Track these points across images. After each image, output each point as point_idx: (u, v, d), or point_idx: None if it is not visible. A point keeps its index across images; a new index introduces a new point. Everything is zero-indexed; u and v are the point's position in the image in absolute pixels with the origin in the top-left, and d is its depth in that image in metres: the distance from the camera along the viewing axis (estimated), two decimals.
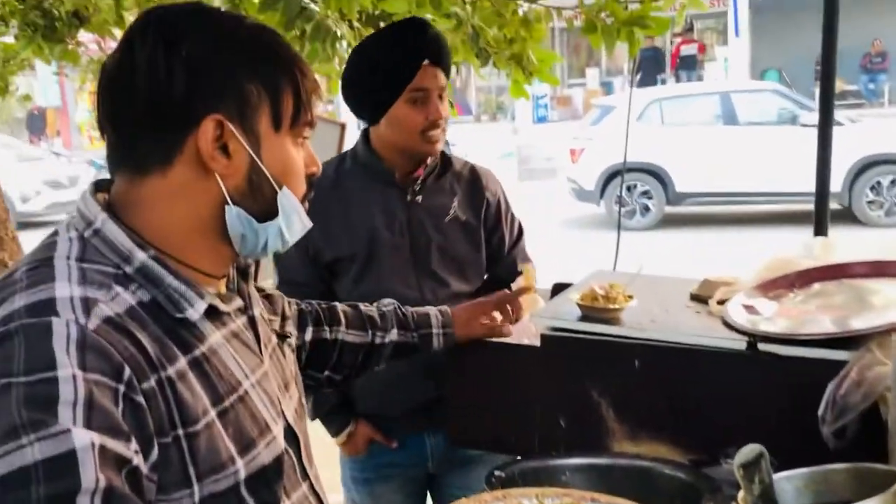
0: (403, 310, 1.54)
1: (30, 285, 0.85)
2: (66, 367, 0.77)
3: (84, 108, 22.11)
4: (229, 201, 0.94)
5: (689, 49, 17.09)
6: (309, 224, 1.03)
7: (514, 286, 1.84)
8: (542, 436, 1.49)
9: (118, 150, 0.95)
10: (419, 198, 1.84)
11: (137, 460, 0.79)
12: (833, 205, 2.59)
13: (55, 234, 0.94)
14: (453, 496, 1.33)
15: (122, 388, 0.80)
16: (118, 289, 0.88)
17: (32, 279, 0.86)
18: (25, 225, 10.17)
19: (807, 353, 1.30)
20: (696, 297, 1.61)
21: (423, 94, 1.74)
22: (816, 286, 1.50)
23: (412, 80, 1.72)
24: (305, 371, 1.40)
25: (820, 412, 1.20)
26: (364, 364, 1.47)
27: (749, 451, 1.00)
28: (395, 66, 1.73)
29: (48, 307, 0.82)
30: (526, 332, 1.63)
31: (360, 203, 1.83)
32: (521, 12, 2.75)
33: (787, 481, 1.06)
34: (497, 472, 1.29)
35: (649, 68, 16.75)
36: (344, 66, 1.81)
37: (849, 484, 1.04)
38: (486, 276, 1.94)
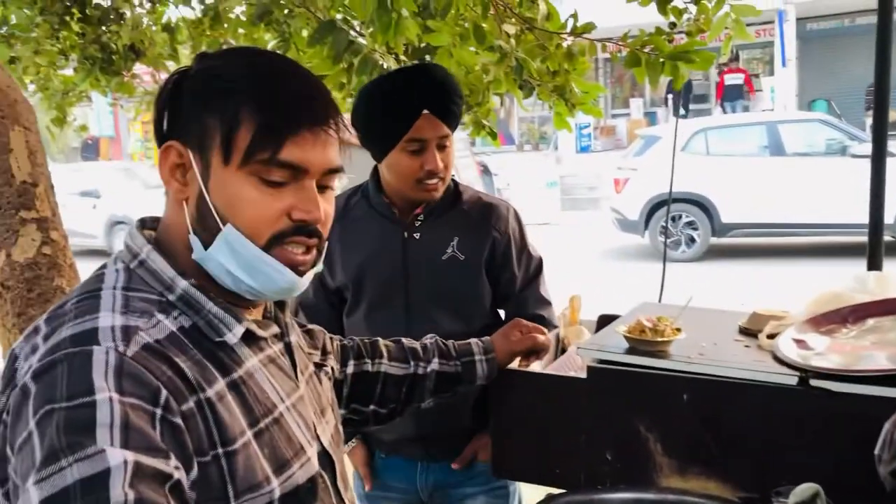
0: (444, 342, 1.54)
1: (76, 316, 0.89)
2: (104, 392, 0.80)
3: (136, 138, 22.70)
4: (190, 229, 0.97)
5: (733, 79, 16.90)
6: (290, 276, 0.97)
7: (559, 317, 1.83)
8: (589, 469, 1.47)
9: None
10: (417, 234, 1.82)
11: (179, 475, 0.82)
12: (886, 237, 2.53)
13: (104, 266, 0.99)
14: None
15: (158, 411, 0.83)
16: (160, 316, 0.92)
17: (79, 310, 0.90)
18: None
19: (861, 389, 1.26)
20: (745, 331, 1.59)
21: (420, 144, 1.72)
22: (871, 321, 1.47)
23: (409, 130, 1.70)
24: (350, 405, 1.42)
25: (876, 451, 1.17)
26: (409, 396, 1.48)
27: (804, 489, 0.98)
28: (393, 113, 1.72)
29: (91, 337, 0.85)
30: (572, 364, 1.62)
31: (359, 235, 1.84)
32: (564, 45, 2.76)
33: None
34: None
35: (678, 99, 16.57)
36: (356, 97, 1.81)
37: None
38: (503, 314, 1.92)
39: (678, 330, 1.46)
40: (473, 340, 1.56)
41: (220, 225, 0.94)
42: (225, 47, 3.47)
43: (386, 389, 1.45)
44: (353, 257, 1.83)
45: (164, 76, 3.83)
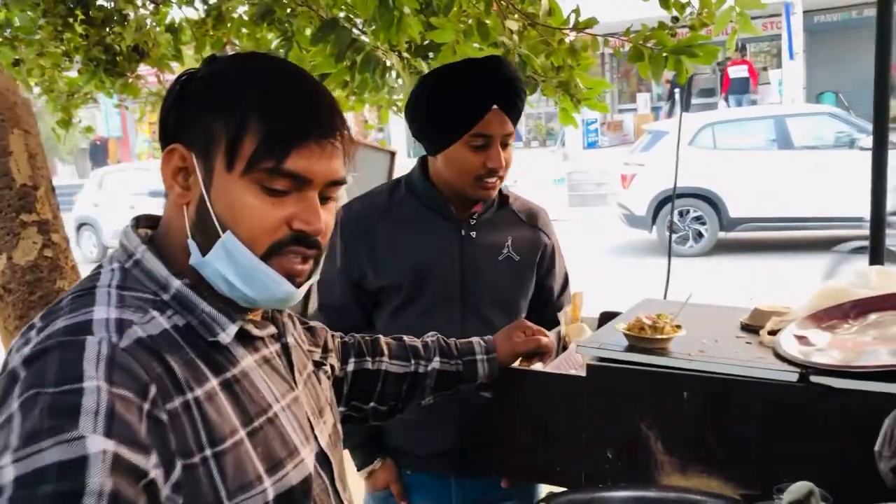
0: (446, 340, 1.54)
1: (72, 310, 0.90)
2: (93, 380, 0.80)
3: (144, 138, 22.77)
4: (189, 233, 0.97)
5: (738, 71, 16.76)
6: (286, 286, 0.96)
7: (561, 315, 1.82)
8: (589, 467, 1.47)
9: None
10: (473, 233, 1.77)
11: (155, 474, 0.81)
12: (889, 230, 2.52)
13: (100, 266, 0.99)
14: None
15: (146, 405, 0.83)
16: (154, 313, 0.93)
17: (74, 305, 0.91)
18: None
19: (862, 385, 1.26)
20: (746, 327, 1.58)
21: (485, 140, 1.65)
22: (873, 316, 1.46)
23: (476, 125, 1.64)
24: (350, 402, 1.42)
25: (876, 447, 1.16)
26: (409, 395, 1.48)
27: (798, 488, 0.97)
28: (460, 106, 1.65)
29: (84, 328, 0.86)
30: (572, 362, 1.62)
31: (413, 232, 1.75)
32: (567, 41, 2.75)
33: None
34: None
35: (684, 93, 16.45)
36: (416, 85, 1.75)
37: None
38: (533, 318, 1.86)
39: (678, 327, 1.46)
40: (475, 339, 1.55)
41: (220, 231, 0.94)
42: (235, 51, 3.48)
43: (386, 387, 1.45)
44: (408, 256, 1.73)
45: (168, 77, 3.85)
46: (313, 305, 1.83)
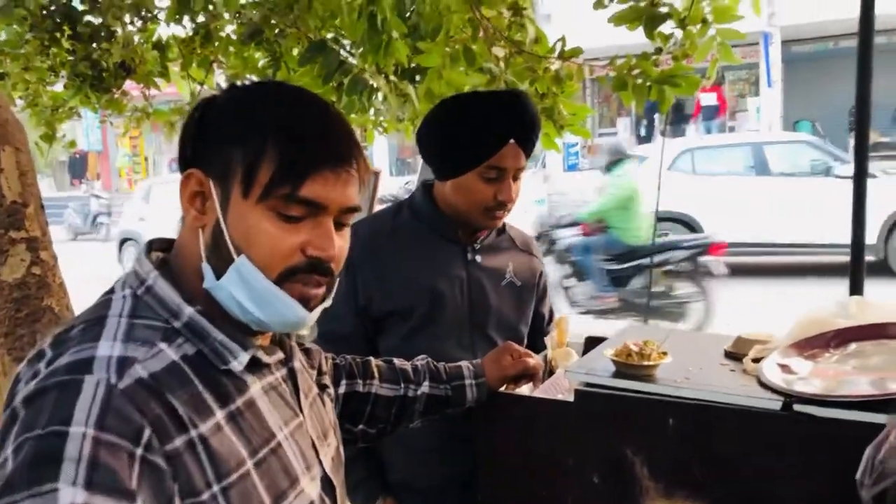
0: (435, 363, 1.55)
1: (78, 343, 0.89)
2: (81, 425, 0.80)
3: (124, 153, 22.65)
4: (203, 257, 0.98)
5: (709, 98, 17.08)
6: (299, 310, 0.97)
7: (547, 339, 1.84)
8: (576, 493, 1.47)
9: None
10: (479, 257, 1.77)
11: None
12: (868, 257, 2.56)
13: (112, 291, 0.99)
14: None
15: (139, 451, 0.82)
16: (162, 345, 0.92)
17: (83, 336, 0.90)
18: None
19: (844, 414, 1.28)
20: (730, 355, 1.60)
21: (499, 172, 1.66)
22: (853, 346, 1.49)
23: (492, 157, 1.64)
24: (341, 424, 1.42)
25: (858, 476, 1.18)
26: (398, 418, 1.48)
27: None
28: (478, 138, 1.65)
29: (85, 366, 0.86)
30: (559, 387, 1.63)
31: (420, 257, 1.74)
32: (552, 69, 2.78)
33: None
34: None
35: (652, 121, 16.92)
36: (433, 109, 1.74)
37: None
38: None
39: (664, 353, 1.48)
40: (464, 364, 1.56)
41: (234, 255, 0.95)
42: (222, 70, 3.49)
43: (376, 410, 1.45)
44: (418, 279, 1.72)
45: (153, 93, 3.84)
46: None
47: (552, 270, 6.92)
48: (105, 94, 3.67)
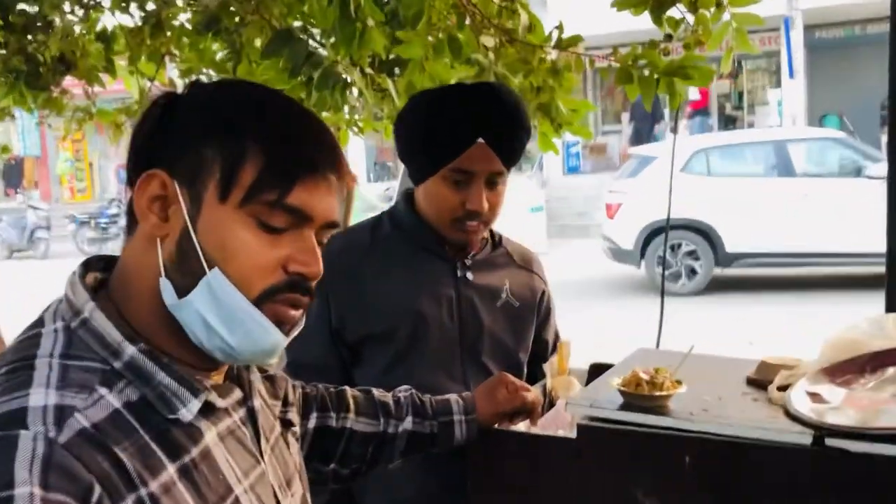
0: (421, 396, 1.53)
1: (5, 392, 0.87)
2: (25, 486, 0.79)
3: (65, 158, 22.55)
4: (162, 271, 0.95)
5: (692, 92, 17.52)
6: (274, 335, 0.96)
7: (546, 366, 1.83)
8: None
9: None
10: (470, 274, 1.75)
11: None
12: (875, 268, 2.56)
13: (41, 323, 0.96)
14: None
15: None
16: (102, 391, 0.90)
17: (10, 384, 0.88)
18: None
19: (882, 449, 1.28)
20: (753, 382, 1.60)
21: (465, 176, 1.63)
22: (891, 370, 1.48)
23: (457, 158, 1.62)
24: (309, 463, 1.40)
25: None
26: (375, 457, 1.46)
27: None
28: (442, 135, 1.63)
29: (18, 419, 0.84)
30: (560, 422, 1.62)
31: (402, 274, 1.72)
32: (549, 59, 2.79)
33: None
34: None
35: (645, 119, 17.21)
36: (405, 105, 1.73)
37: None
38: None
39: (679, 382, 1.47)
40: (453, 397, 1.54)
41: (206, 268, 0.93)
42: (175, 63, 3.47)
43: (350, 448, 1.43)
44: (400, 301, 1.70)
45: (97, 90, 3.82)
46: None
47: None
48: (42, 92, 3.64)
